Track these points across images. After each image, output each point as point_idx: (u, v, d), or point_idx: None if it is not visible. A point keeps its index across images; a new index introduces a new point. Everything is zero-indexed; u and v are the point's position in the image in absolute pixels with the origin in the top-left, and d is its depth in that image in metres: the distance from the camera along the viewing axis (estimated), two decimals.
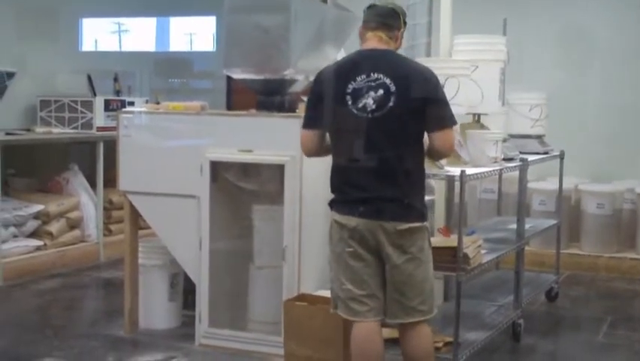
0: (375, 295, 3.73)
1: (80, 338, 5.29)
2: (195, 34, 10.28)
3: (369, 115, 3.62)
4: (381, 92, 3.60)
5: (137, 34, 10.23)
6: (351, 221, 3.67)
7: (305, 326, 4.38)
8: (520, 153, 5.61)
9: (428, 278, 3.77)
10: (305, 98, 5.16)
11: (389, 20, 3.78)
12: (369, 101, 3.61)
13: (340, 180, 3.76)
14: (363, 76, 3.64)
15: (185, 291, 5.45)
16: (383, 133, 3.64)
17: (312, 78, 5.16)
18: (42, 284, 6.66)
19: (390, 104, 3.60)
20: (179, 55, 10.26)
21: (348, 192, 3.72)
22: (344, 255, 3.71)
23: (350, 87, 3.65)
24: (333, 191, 3.80)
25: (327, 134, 3.83)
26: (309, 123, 3.82)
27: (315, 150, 3.86)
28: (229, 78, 6.92)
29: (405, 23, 3.87)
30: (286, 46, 4.82)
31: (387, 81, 3.61)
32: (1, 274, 6.57)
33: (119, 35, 10.24)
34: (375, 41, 3.76)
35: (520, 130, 6.15)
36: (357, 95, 3.63)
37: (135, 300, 5.34)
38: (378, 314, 3.74)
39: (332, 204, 3.80)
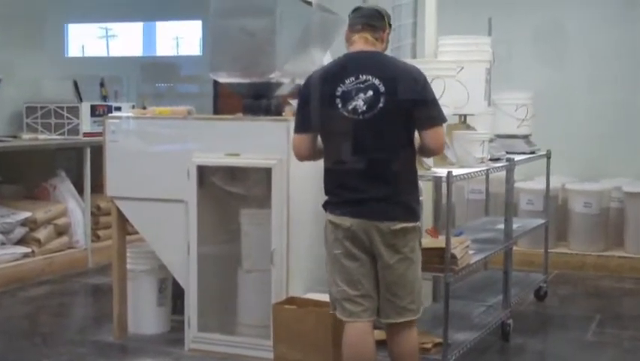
0: (369, 295, 3.76)
1: (69, 344, 5.27)
2: (182, 38, 10.28)
3: (360, 116, 3.65)
4: (370, 93, 3.63)
5: (124, 39, 10.23)
6: (346, 221, 3.70)
7: (294, 329, 4.38)
8: (507, 153, 5.62)
9: (418, 278, 3.81)
10: (292, 102, 5.19)
11: (373, 22, 3.81)
12: (359, 102, 3.64)
13: (334, 182, 3.78)
14: (352, 78, 3.67)
15: (174, 296, 5.44)
16: (374, 134, 3.67)
17: (298, 81, 5.20)
18: (30, 291, 6.63)
19: (380, 104, 3.63)
20: (166, 59, 10.26)
21: (341, 194, 3.74)
22: (338, 255, 3.74)
23: (339, 90, 3.67)
24: (326, 193, 3.82)
25: (319, 138, 3.85)
26: (300, 127, 3.84)
27: (307, 154, 3.88)
28: (216, 82, 6.94)
29: (390, 25, 3.91)
30: (272, 49, 4.82)
31: (376, 82, 3.64)
32: None
33: (106, 40, 10.23)
34: (361, 43, 3.79)
35: (507, 130, 6.16)
36: (347, 97, 3.66)
37: (124, 305, 5.33)
38: (372, 314, 3.78)
39: (326, 206, 3.82)
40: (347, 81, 3.67)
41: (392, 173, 3.71)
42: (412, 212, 3.75)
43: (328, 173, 3.81)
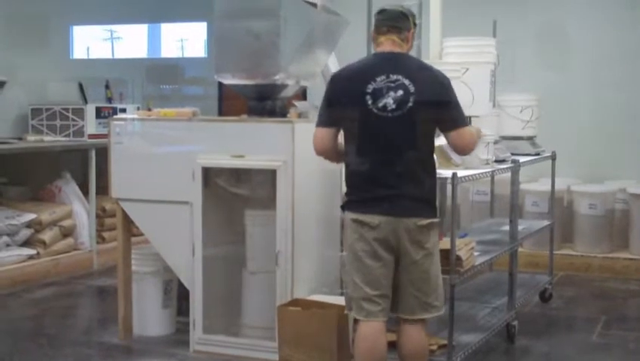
0: (387, 296, 3.80)
1: (74, 345, 5.28)
2: (186, 40, 10.28)
3: (389, 114, 3.72)
4: (400, 92, 3.72)
5: (129, 41, 10.24)
6: (374, 219, 3.72)
7: (299, 331, 4.38)
8: (512, 154, 5.62)
9: (439, 274, 3.91)
10: (297, 103, 5.19)
11: (399, 23, 3.88)
12: (389, 100, 3.71)
13: (360, 179, 3.80)
14: (383, 77, 3.74)
15: (179, 297, 5.44)
16: (402, 132, 3.74)
17: (303, 83, 5.22)
18: (35, 293, 6.64)
19: (410, 104, 3.72)
20: (171, 61, 10.27)
21: (369, 191, 3.77)
22: (361, 254, 3.75)
23: (370, 87, 3.73)
24: (350, 191, 3.84)
25: (341, 137, 3.89)
26: (324, 121, 3.86)
27: (328, 149, 3.89)
28: (220, 84, 6.93)
29: (415, 24, 3.99)
30: (276, 51, 4.83)
31: (407, 82, 3.73)
32: None
33: (111, 42, 10.24)
34: (389, 44, 3.87)
35: (512, 132, 6.16)
36: (378, 95, 3.72)
37: (129, 307, 5.33)
38: (387, 314, 3.83)
39: (348, 205, 3.83)
40: (378, 79, 3.74)
41: (417, 170, 3.80)
42: (434, 208, 3.86)
43: (354, 169, 3.83)
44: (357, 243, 3.77)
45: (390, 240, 3.74)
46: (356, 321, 3.90)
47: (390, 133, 3.74)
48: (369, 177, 3.78)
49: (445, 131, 3.87)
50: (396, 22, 3.88)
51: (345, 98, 3.81)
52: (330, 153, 3.94)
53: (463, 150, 4.01)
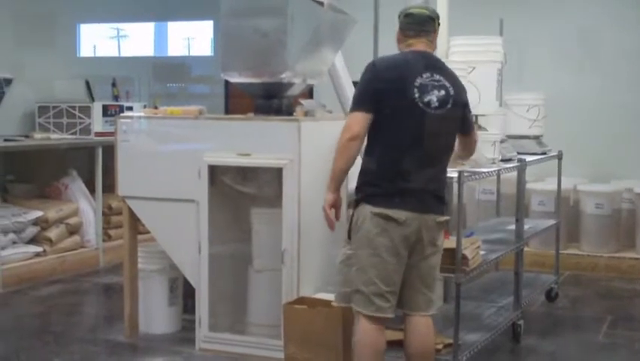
0: (396, 293, 3.82)
1: (81, 343, 5.29)
2: (193, 38, 10.30)
3: (432, 111, 3.76)
4: (443, 92, 3.79)
5: (135, 40, 10.26)
6: (401, 215, 3.72)
7: (305, 329, 4.38)
8: (518, 153, 5.62)
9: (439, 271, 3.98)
10: (303, 102, 5.19)
11: (427, 27, 3.94)
12: (433, 98, 3.76)
13: (390, 172, 3.76)
14: (428, 74, 3.79)
15: (184, 295, 5.45)
16: (439, 130, 3.80)
17: (309, 81, 5.22)
18: (42, 290, 6.66)
19: (449, 105, 3.81)
20: (177, 59, 10.28)
21: (398, 184, 3.74)
22: (381, 249, 3.73)
23: (418, 81, 3.76)
24: (375, 183, 3.77)
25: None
26: (363, 105, 3.77)
27: (362, 134, 3.77)
28: (227, 82, 6.95)
29: (439, 25, 4.03)
30: (283, 49, 4.83)
31: (447, 84, 3.82)
32: (0, 281, 6.57)
33: (117, 40, 10.26)
34: (422, 46, 3.91)
35: (518, 131, 6.16)
36: (424, 90, 3.76)
37: (135, 305, 5.34)
38: (394, 311, 3.85)
39: (370, 199, 3.77)
40: (424, 75, 3.78)
41: (442, 169, 3.89)
42: (446, 206, 3.95)
43: (384, 161, 3.77)
44: (378, 237, 3.73)
45: (410, 236, 3.75)
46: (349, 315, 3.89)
47: (431, 130, 3.76)
48: (401, 170, 3.74)
49: (465, 132, 4.03)
50: (425, 27, 3.92)
51: (391, 85, 3.76)
52: (360, 142, 3.80)
53: (473, 148, 4.20)
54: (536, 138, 6.28)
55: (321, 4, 5.19)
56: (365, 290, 3.77)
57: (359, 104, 3.79)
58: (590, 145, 7.81)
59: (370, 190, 3.79)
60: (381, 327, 3.80)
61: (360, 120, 3.76)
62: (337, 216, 3.91)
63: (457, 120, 3.91)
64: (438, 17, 4.01)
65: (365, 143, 3.83)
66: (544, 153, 6.17)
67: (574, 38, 7.96)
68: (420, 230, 3.76)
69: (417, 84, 3.75)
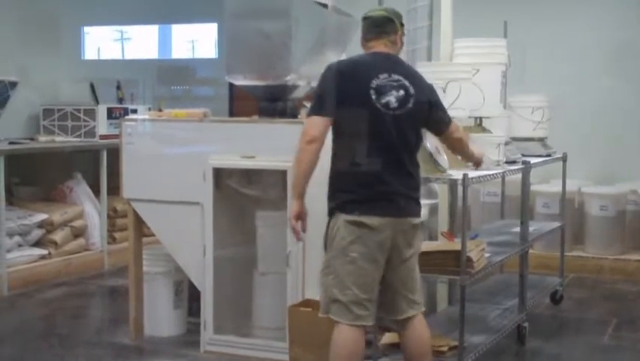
0: (374, 301, 3.78)
1: (86, 346, 5.30)
2: (197, 41, 10.30)
3: (391, 112, 3.72)
4: (402, 92, 3.74)
5: (140, 42, 10.26)
6: (373, 221, 3.68)
7: (310, 332, 4.39)
8: (523, 155, 5.61)
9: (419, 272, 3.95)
10: (307, 104, 5.18)
11: (385, 28, 3.89)
12: (391, 99, 3.72)
13: (357, 177, 3.72)
14: (386, 75, 3.75)
15: (189, 298, 5.45)
16: (401, 131, 3.74)
17: (314, 84, 5.20)
18: (47, 293, 6.67)
19: (409, 105, 3.75)
20: (182, 62, 10.28)
21: (367, 189, 3.70)
22: (357, 257, 3.69)
23: (374, 83, 3.73)
24: (344, 190, 3.74)
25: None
26: (320, 110, 3.73)
27: (319, 138, 3.70)
28: (231, 85, 6.95)
29: (402, 25, 3.96)
30: (288, 52, 4.83)
31: (407, 83, 3.77)
32: (6, 284, 6.58)
33: (122, 43, 10.27)
34: (383, 47, 3.88)
35: (523, 133, 6.14)
36: (381, 91, 3.72)
37: (140, 308, 5.35)
38: (373, 319, 3.81)
39: (343, 206, 3.72)
40: (381, 76, 3.74)
41: (412, 170, 3.82)
42: (420, 208, 3.89)
43: (348, 168, 3.73)
44: (353, 245, 3.69)
45: (386, 241, 3.71)
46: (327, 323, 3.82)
47: (391, 131, 3.71)
48: (370, 174, 3.70)
49: (440, 131, 4.00)
50: (383, 28, 3.88)
51: (348, 89, 3.72)
52: (319, 145, 3.72)
53: (461, 141, 4.14)
54: (541, 140, 6.27)
55: (325, 6, 5.20)
56: (343, 299, 3.71)
57: (316, 108, 3.75)
58: (594, 147, 7.80)
59: (341, 197, 3.75)
60: (360, 336, 3.74)
61: (318, 124, 3.70)
62: (303, 228, 3.83)
63: (422, 119, 3.84)
64: (399, 17, 3.94)
65: (331, 150, 3.79)
66: (548, 155, 6.16)
67: (578, 40, 7.95)
68: (394, 235, 3.72)
69: (373, 85, 3.72)
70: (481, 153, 4.42)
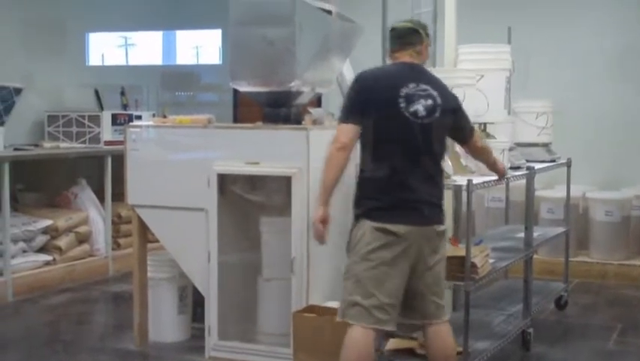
0: (396, 306, 3.81)
1: (90, 352, 5.30)
2: (201, 47, 10.32)
3: (419, 120, 3.77)
4: (430, 102, 3.80)
5: (144, 48, 10.29)
6: (400, 228, 3.72)
7: (314, 338, 4.39)
8: (527, 161, 5.61)
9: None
10: (311, 110, 5.20)
11: (410, 39, 3.96)
12: (419, 107, 3.77)
13: (384, 184, 3.76)
14: (414, 84, 3.81)
15: (194, 304, 5.45)
16: (428, 140, 3.80)
17: (318, 90, 5.23)
18: (51, 299, 6.67)
19: (437, 114, 3.82)
20: (186, 68, 10.31)
21: (394, 196, 3.75)
22: (380, 263, 3.73)
23: (403, 91, 3.78)
24: (372, 197, 3.78)
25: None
26: (349, 117, 3.80)
27: (348, 145, 3.78)
28: (236, 91, 6.95)
29: (427, 35, 4.04)
30: (292, 58, 4.84)
31: (435, 93, 3.83)
32: (10, 290, 6.59)
33: (126, 49, 10.29)
34: (408, 57, 3.95)
35: (527, 138, 6.15)
36: (410, 100, 3.77)
37: (145, 313, 5.35)
38: (395, 324, 3.84)
39: (368, 213, 3.77)
40: (410, 85, 3.80)
41: (437, 178, 3.89)
42: (444, 215, 3.94)
43: (377, 174, 3.77)
44: (377, 251, 3.73)
45: (411, 248, 3.75)
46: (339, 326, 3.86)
47: (419, 139, 3.76)
48: (394, 182, 3.75)
49: (464, 140, 4.12)
50: (408, 39, 3.96)
51: (377, 97, 3.79)
52: (349, 152, 3.80)
53: (485, 150, 4.31)
54: (545, 145, 6.27)
55: (329, 12, 5.20)
56: (364, 303, 3.75)
57: (346, 116, 3.82)
58: (599, 152, 7.80)
59: (368, 204, 3.80)
60: (371, 339, 3.77)
61: (348, 131, 3.77)
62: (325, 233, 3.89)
63: (448, 128, 3.92)
64: (425, 28, 4.03)
65: (359, 156, 3.86)
66: (553, 161, 6.16)
67: (581, 46, 7.95)
68: (420, 242, 3.77)
69: (402, 94, 3.77)
70: (502, 163, 4.53)
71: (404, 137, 3.76)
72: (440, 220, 3.87)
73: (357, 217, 3.83)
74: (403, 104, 3.75)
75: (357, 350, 3.75)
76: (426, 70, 3.99)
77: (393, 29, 4.02)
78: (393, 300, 3.77)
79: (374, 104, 3.77)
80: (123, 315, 5.95)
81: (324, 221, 3.86)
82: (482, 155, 4.36)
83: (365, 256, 3.76)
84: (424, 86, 3.81)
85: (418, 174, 3.77)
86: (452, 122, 3.93)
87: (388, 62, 4.04)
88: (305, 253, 4.71)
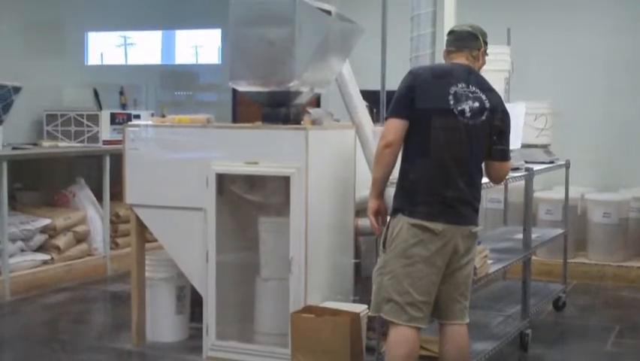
0: (430, 303, 3.82)
1: (88, 351, 5.30)
2: (201, 46, 10.32)
3: (465, 120, 3.78)
4: (477, 104, 3.81)
5: (143, 48, 10.29)
6: (438, 226, 3.73)
7: (312, 338, 4.39)
8: (526, 162, 5.61)
9: None
10: (311, 110, 5.20)
11: (468, 43, 3.99)
12: (466, 107, 3.79)
13: (430, 181, 3.76)
14: (464, 84, 3.82)
15: (192, 304, 5.45)
16: (471, 141, 3.80)
17: (317, 90, 5.22)
18: (49, 298, 6.67)
19: (483, 117, 3.82)
20: (185, 68, 10.31)
21: (436, 194, 3.75)
22: (417, 259, 3.74)
23: (453, 90, 3.79)
24: (413, 192, 3.78)
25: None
26: (401, 112, 3.79)
27: (397, 141, 3.78)
28: (235, 91, 6.95)
29: (485, 43, 4.05)
30: (291, 58, 4.83)
31: (483, 97, 3.84)
32: (8, 289, 6.58)
33: (125, 49, 10.29)
34: (464, 60, 3.97)
35: (526, 140, 6.14)
36: (459, 99, 3.79)
37: (142, 313, 5.35)
38: (428, 323, 3.87)
39: (408, 209, 3.77)
40: (460, 85, 3.82)
41: (477, 180, 3.90)
42: (478, 217, 3.96)
43: (422, 170, 3.77)
44: (414, 248, 3.73)
45: (447, 246, 3.76)
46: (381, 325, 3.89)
47: (463, 139, 3.77)
48: (436, 179, 3.75)
49: (493, 158, 3.94)
50: (465, 42, 3.98)
51: (428, 92, 3.79)
52: (396, 148, 3.79)
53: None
54: (544, 146, 6.28)
55: (329, 13, 5.20)
56: (399, 300, 3.77)
57: (394, 110, 3.82)
58: (597, 154, 7.80)
59: (407, 199, 3.80)
60: (415, 337, 3.80)
61: (396, 127, 3.78)
62: (384, 222, 3.93)
63: (490, 134, 3.86)
64: (484, 35, 4.04)
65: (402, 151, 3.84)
66: (551, 162, 6.17)
67: (580, 47, 7.95)
68: (456, 241, 3.78)
69: (452, 92, 3.78)
70: None
71: (450, 134, 3.77)
72: (475, 221, 3.88)
73: (395, 211, 3.83)
74: (452, 101, 3.77)
75: (406, 348, 3.77)
76: (479, 74, 3.97)
77: (452, 32, 4.05)
78: (427, 298, 3.78)
79: (423, 99, 3.77)
80: (121, 314, 5.95)
81: (379, 213, 3.91)
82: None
83: (402, 253, 3.77)
84: (473, 88, 3.82)
85: (460, 173, 3.77)
86: (497, 132, 3.88)
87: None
88: (303, 254, 4.71)
